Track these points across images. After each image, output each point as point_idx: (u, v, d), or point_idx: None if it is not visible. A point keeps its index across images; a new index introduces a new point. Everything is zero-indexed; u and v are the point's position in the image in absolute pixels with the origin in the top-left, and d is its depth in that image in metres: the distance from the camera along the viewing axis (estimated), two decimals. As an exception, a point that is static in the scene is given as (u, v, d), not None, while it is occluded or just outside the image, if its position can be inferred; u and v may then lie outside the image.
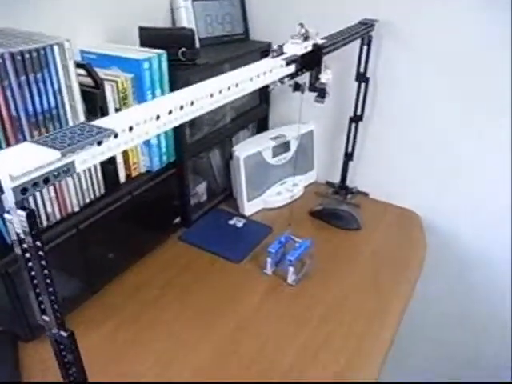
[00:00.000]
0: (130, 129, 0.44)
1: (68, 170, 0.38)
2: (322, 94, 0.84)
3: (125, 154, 0.94)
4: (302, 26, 0.78)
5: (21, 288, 0.76)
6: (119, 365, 0.80)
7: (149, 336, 0.86)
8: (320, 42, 0.82)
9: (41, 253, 0.38)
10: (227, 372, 0.79)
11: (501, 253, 1.20)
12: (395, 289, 0.99)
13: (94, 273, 0.91)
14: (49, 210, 0.80)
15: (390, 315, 0.93)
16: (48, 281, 0.39)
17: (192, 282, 0.99)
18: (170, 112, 0.49)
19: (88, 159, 0.40)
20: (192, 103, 0.53)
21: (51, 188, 0.78)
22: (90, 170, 0.86)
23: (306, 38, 0.79)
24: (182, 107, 0.51)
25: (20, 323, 0.80)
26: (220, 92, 0.58)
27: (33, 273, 0.39)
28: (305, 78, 0.87)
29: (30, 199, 0.76)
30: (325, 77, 0.83)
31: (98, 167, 0.88)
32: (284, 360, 0.82)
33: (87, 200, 0.88)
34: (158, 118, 0.48)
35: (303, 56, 0.79)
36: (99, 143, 0.40)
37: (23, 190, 0.35)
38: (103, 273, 0.94)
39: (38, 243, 0.37)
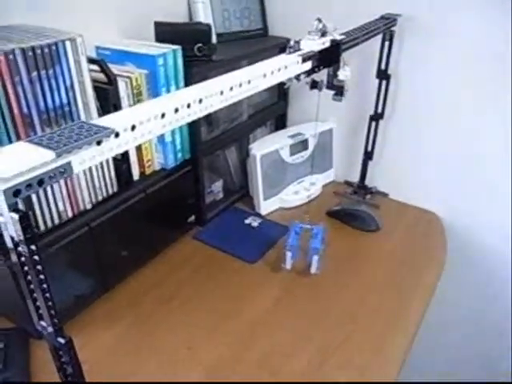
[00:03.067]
0: (133, 128, 0.42)
1: (65, 170, 0.37)
2: (340, 91, 0.81)
3: (139, 151, 0.93)
4: (319, 20, 0.76)
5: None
6: (131, 363, 0.79)
7: (161, 335, 0.85)
8: (338, 37, 0.79)
9: (36, 257, 0.36)
10: (240, 371, 0.78)
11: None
12: (414, 290, 0.97)
13: (106, 271, 0.91)
14: (60, 207, 0.80)
15: (409, 317, 0.90)
16: (44, 286, 0.38)
17: (205, 281, 0.97)
18: (177, 110, 0.47)
19: (86, 160, 0.38)
20: (200, 101, 0.50)
21: (63, 185, 0.78)
22: (102, 167, 0.85)
23: (323, 34, 0.77)
24: (189, 105, 0.49)
25: (31, 321, 0.79)
26: (231, 89, 0.56)
27: (29, 277, 0.38)
28: (323, 75, 0.84)
29: (42, 196, 0.75)
30: (343, 74, 0.80)
31: (111, 164, 0.87)
32: (300, 360, 0.80)
33: (100, 198, 0.87)
34: (163, 116, 0.46)
35: (320, 52, 0.76)
36: (98, 143, 0.39)
37: (16, 192, 0.33)
38: (116, 271, 0.94)
39: (33, 247, 0.35)
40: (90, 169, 0.82)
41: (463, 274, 1.25)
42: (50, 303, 0.39)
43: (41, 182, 0.35)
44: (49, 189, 0.76)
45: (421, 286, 0.98)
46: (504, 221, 1.14)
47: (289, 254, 0.96)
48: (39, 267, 0.37)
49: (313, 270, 0.96)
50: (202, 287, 0.96)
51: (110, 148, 0.40)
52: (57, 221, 0.80)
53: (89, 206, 0.85)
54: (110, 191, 0.89)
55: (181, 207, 1.07)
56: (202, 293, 0.94)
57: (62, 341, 0.41)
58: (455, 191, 1.18)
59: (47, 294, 0.38)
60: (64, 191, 0.79)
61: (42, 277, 0.37)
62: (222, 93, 0.54)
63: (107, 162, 0.85)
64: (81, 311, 0.87)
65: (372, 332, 0.86)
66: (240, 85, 0.57)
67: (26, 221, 0.35)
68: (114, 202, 0.89)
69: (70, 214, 0.82)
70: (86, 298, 0.88)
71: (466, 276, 1.26)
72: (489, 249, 1.20)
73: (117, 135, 0.41)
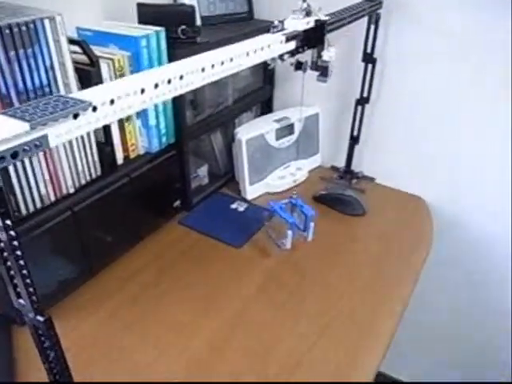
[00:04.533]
0: (112, 102, 0.42)
1: (40, 144, 0.36)
2: (324, 72, 0.81)
3: (122, 134, 0.92)
4: (303, 0, 0.75)
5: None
6: (116, 349, 0.78)
7: (146, 320, 0.84)
8: (323, 18, 0.79)
9: (12, 232, 0.35)
10: (224, 357, 0.77)
11: (509, 238, 1.16)
12: (400, 273, 0.97)
13: (91, 256, 0.89)
14: (42, 191, 0.78)
15: (395, 301, 0.90)
16: (21, 262, 0.37)
17: (191, 266, 0.97)
18: (157, 86, 0.47)
19: (63, 133, 0.38)
20: (181, 77, 0.50)
21: (45, 168, 0.76)
22: (85, 150, 0.83)
23: (308, 14, 0.76)
24: (169, 81, 0.48)
25: (13, 306, 0.78)
26: (213, 66, 0.55)
27: (5, 254, 0.37)
28: (307, 57, 0.83)
29: (23, 179, 0.74)
30: (327, 54, 0.79)
31: (94, 148, 0.86)
32: (283, 345, 0.80)
33: (83, 181, 0.86)
34: (142, 91, 0.45)
35: (305, 32, 0.75)
36: (75, 116, 0.38)
37: (-12, 165, 0.32)
38: (101, 256, 0.93)
39: (8, 222, 0.35)
40: (73, 151, 0.81)
41: (450, 258, 1.27)
42: (28, 280, 0.38)
43: (15, 155, 0.34)
44: (30, 171, 0.74)
45: (407, 269, 0.99)
46: (489, 204, 1.15)
47: (290, 233, 0.96)
48: (15, 243, 0.36)
49: (309, 237, 0.97)
50: (187, 272, 0.95)
51: (88, 122, 0.39)
52: (39, 205, 0.79)
53: (72, 190, 0.84)
54: (94, 175, 0.88)
55: (166, 192, 1.06)
56: (188, 278, 0.94)
57: (40, 319, 0.40)
58: (441, 175, 1.19)
59: (24, 271, 0.37)
60: (46, 174, 0.77)
61: (18, 252, 0.36)
62: (203, 70, 0.53)
63: (90, 144, 0.84)
64: (65, 297, 0.87)
65: (359, 314, 0.86)
66: (222, 63, 0.57)
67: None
68: (98, 186, 0.87)
69: (52, 198, 0.81)
70: (70, 283, 0.87)
71: (452, 259, 1.27)
72: (475, 232, 1.21)
73: (94, 109, 0.40)
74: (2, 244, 0.36)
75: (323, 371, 0.75)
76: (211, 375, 0.74)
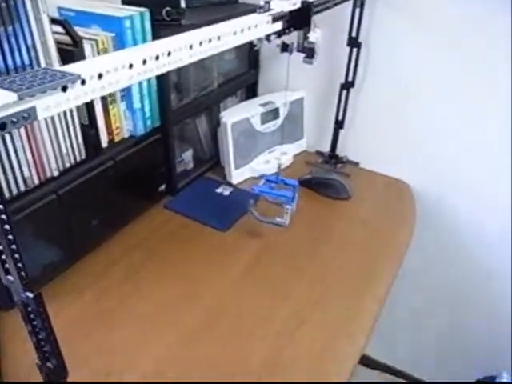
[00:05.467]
0: (100, 76, 0.41)
1: (29, 116, 0.35)
2: (310, 54, 0.81)
3: (107, 117, 0.91)
4: (290, -20, 0.74)
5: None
6: (102, 332, 0.78)
7: (131, 304, 0.84)
8: (309, -1, 0.79)
9: (0, 206, 0.35)
10: (208, 341, 0.78)
11: (490, 220, 1.19)
12: (384, 256, 0.98)
13: (76, 239, 0.89)
14: (26, 174, 0.77)
15: (379, 284, 0.91)
16: (10, 237, 0.36)
17: (177, 250, 0.96)
18: (145, 62, 0.46)
19: (51, 106, 0.37)
20: (169, 54, 0.49)
21: (28, 149, 0.75)
22: (69, 132, 0.82)
23: (294, -6, 0.76)
24: (157, 57, 0.47)
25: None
26: (200, 44, 0.54)
27: (-8, 228, 0.36)
28: (293, 39, 0.83)
29: (5, 161, 0.72)
30: (313, 36, 0.79)
31: (79, 130, 0.84)
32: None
33: (67, 165, 0.85)
34: (130, 66, 0.45)
35: (291, 13, 0.75)
36: (64, 89, 0.37)
37: (-24, 135, 0.32)
38: (86, 240, 0.92)
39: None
40: (56, 133, 0.80)
41: (433, 241, 1.29)
42: (16, 255, 0.38)
43: (3, 126, 0.33)
44: (12, 153, 0.73)
45: (391, 252, 1.00)
46: (473, 188, 1.17)
47: (288, 207, 0.96)
48: (4, 217, 0.35)
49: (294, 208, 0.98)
50: (173, 256, 0.95)
51: (76, 95, 0.39)
52: (22, 187, 0.78)
53: (56, 173, 0.83)
54: (78, 158, 0.86)
55: (151, 176, 1.06)
56: (174, 261, 0.94)
57: (30, 295, 0.40)
58: (425, 160, 1.20)
59: (14, 246, 0.37)
60: (29, 156, 0.76)
61: (7, 227, 0.36)
62: (191, 47, 0.53)
63: (74, 126, 0.83)
64: (49, 281, 0.86)
65: (340, 302, 0.87)
66: (210, 40, 0.56)
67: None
68: (82, 170, 0.87)
69: (36, 181, 0.80)
70: (54, 267, 0.86)
71: (435, 243, 1.29)
72: (458, 215, 1.23)
73: (83, 82, 0.39)
74: (-10, 218, 0.36)
75: (308, 354, 0.76)
76: (195, 357, 0.75)
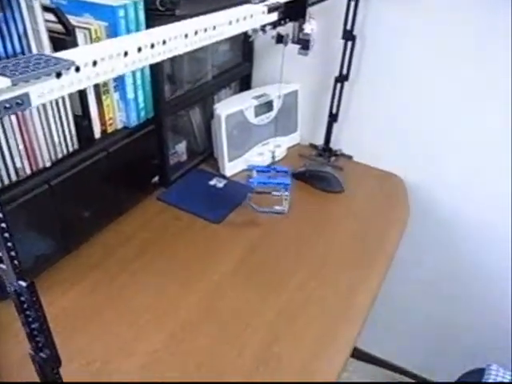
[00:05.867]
0: (94, 63, 0.41)
1: (22, 102, 0.35)
2: (305, 45, 0.81)
3: (100, 108, 0.90)
4: (285, -29, 0.74)
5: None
6: (95, 323, 0.78)
7: (125, 295, 0.84)
8: (305, -10, 0.78)
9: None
10: (204, 333, 0.78)
11: (483, 214, 1.20)
12: (377, 249, 0.99)
13: (68, 231, 0.88)
14: (18, 164, 0.76)
15: (372, 277, 0.92)
16: (3, 225, 0.36)
17: (169, 242, 0.96)
18: (140, 49, 0.46)
19: (45, 93, 0.36)
20: (164, 42, 0.49)
21: (19, 139, 0.74)
22: (61, 122, 0.81)
23: (289, -15, 0.75)
24: (152, 45, 0.47)
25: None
26: (195, 33, 0.54)
27: (-15, 216, 0.36)
28: (288, 30, 0.83)
29: (-3, 151, 0.72)
30: (309, 27, 0.79)
31: (71, 120, 0.84)
32: (262, 318, 0.81)
33: (60, 155, 0.84)
34: (126, 54, 0.44)
35: (286, 4, 0.75)
36: (58, 75, 0.37)
37: (-32, 121, 0.31)
38: (79, 231, 0.91)
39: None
40: (49, 123, 0.79)
41: (425, 234, 1.30)
42: (9, 244, 0.37)
43: (-4, 112, 0.33)
44: (4, 143, 0.72)
45: (384, 245, 1.01)
46: (466, 183, 1.18)
47: (287, 194, 0.97)
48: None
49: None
50: (166, 248, 0.95)
51: (71, 82, 0.38)
52: (14, 178, 0.77)
53: (48, 164, 0.82)
54: (71, 149, 0.86)
55: (144, 167, 1.05)
56: (167, 253, 0.93)
57: (23, 284, 0.39)
58: (418, 154, 1.21)
59: (6, 234, 0.36)
60: (21, 146, 0.75)
61: (0, 215, 0.36)
62: (186, 36, 0.52)
63: (66, 116, 0.82)
64: (42, 272, 0.85)
65: (333, 293, 0.87)
66: (205, 30, 0.56)
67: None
68: (75, 160, 0.86)
69: (28, 171, 0.79)
70: (47, 258, 0.86)
71: (427, 236, 1.30)
72: (450, 209, 1.24)
73: (77, 69, 0.39)
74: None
75: (301, 346, 0.77)
76: (188, 348, 0.75)
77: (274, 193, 0.98)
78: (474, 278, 1.30)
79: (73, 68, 0.38)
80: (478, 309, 1.33)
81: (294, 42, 0.82)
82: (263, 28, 0.72)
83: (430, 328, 1.47)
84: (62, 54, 0.39)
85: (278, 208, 0.96)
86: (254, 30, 0.71)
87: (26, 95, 0.35)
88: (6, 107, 0.33)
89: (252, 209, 0.98)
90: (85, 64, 0.40)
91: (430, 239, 1.30)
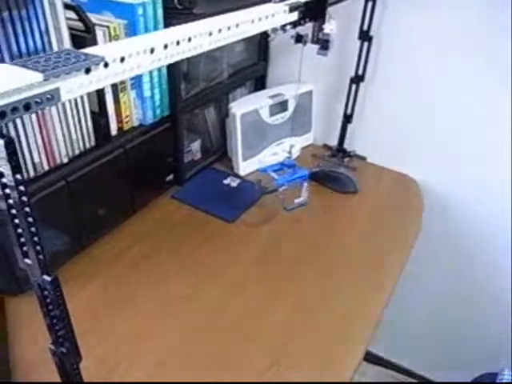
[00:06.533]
0: (122, 60, 0.41)
1: (52, 97, 0.35)
2: (325, 45, 0.80)
3: (117, 105, 0.90)
4: (306, -29, 0.74)
5: (6, 237, 0.73)
6: (109, 321, 0.78)
7: (138, 293, 0.84)
8: (325, -11, 0.78)
9: (22, 188, 0.34)
10: (216, 329, 0.78)
11: (497, 216, 1.19)
12: (391, 251, 0.98)
13: (83, 227, 0.88)
14: (36, 159, 0.77)
15: (386, 278, 0.91)
16: (30, 219, 0.36)
17: (183, 240, 0.96)
18: (166, 46, 0.46)
19: (74, 88, 0.37)
20: (189, 39, 0.49)
21: (38, 135, 0.75)
22: (79, 118, 0.82)
23: (310, -16, 0.75)
24: (178, 42, 0.47)
25: (5, 275, 0.77)
26: (219, 31, 0.54)
27: (13, 211, 0.36)
28: (307, 30, 0.83)
29: (16, 146, 0.72)
30: (329, 27, 0.78)
31: (89, 117, 0.84)
32: (276, 317, 0.80)
33: (77, 151, 0.84)
34: (152, 51, 0.44)
35: (306, 4, 0.74)
36: (87, 71, 0.37)
37: (1, 114, 0.31)
38: (93, 228, 0.92)
39: (19, 177, 0.34)
40: (67, 119, 0.79)
41: (439, 236, 1.28)
42: (35, 238, 0.37)
43: (27, 106, 0.33)
44: (23, 138, 0.73)
45: (398, 247, 1.00)
46: (481, 186, 1.17)
47: (305, 185, 0.97)
48: (24, 198, 0.35)
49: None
50: (179, 246, 0.95)
51: (99, 78, 0.38)
52: (32, 173, 0.77)
53: (65, 160, 0.83)
54: (88, 145, 0.86)
55: (159, 165, 1.05)
56: (180, 251, 0.93)
57: (47, 278, 0.39)
58: (432, 155, 1.20)
59: (33, 228, 0.37)
60: (39, 141, 0.76)
61: (27, 209, 0.36)
62: (210, 34, 0.52)
63: (84, 113, 0.82)
64: (57, 268, 0.85)
65: (346, 293, 0.87)
66: (228, 28, 0.56)
67: (12, 147, 0.33)
68: (92, 157, 0.86)
69: (45, 167, 0.79)
70: (61, 254, 0.86)
71: (442, 238, 1.29)
72: (465, 212, 1.23)
73: (106, 65, 0.39)
74: (11, 200, 0.36)
75: (314, 345, 0.76)
76: (203, 348, 0.75)
77: (281, 189, 0.97)
78: (487, 280, 1.29)
79: (102, 64, 0.38)
80: (491, 312, 1.32)
81: (313, 42, 0.82)
82: (284, 27, 0.71)
83: (441, 330, 1.45)
84: (91, 50, 0.39)
85: (299, 201, 0.97)
86: (274, 30, 0.71)
87: (57, 90, 0.35)
88: (36, 102, 0.34)
89: (284, 209, 0.98)
90: (113, 60, 0.40)
91: (444, 242, 1.29)
